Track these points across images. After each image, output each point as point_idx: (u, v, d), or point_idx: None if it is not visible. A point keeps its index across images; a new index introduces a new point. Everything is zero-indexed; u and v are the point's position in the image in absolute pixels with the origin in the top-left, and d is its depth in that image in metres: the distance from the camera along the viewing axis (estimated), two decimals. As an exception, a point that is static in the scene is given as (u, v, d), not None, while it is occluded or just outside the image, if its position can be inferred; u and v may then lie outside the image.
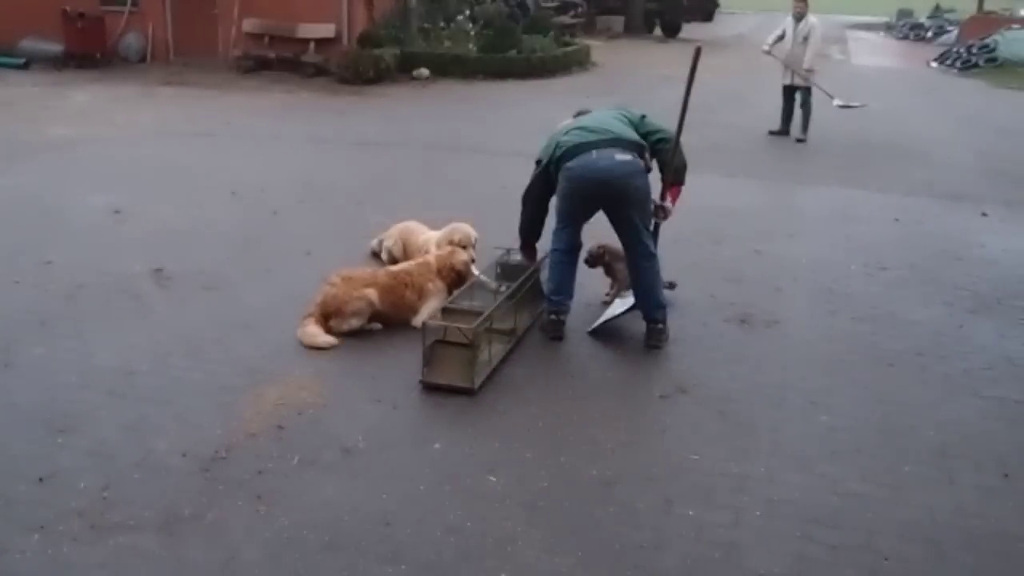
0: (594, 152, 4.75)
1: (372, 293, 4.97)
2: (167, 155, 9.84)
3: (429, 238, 5.91)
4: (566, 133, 4.96)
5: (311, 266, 6.06)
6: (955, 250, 6.94)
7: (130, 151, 10.05)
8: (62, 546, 3.14)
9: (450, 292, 5.14)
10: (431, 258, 5.34)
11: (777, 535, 3.35)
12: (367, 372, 4.58)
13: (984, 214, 8.11)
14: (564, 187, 4.89)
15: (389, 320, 5.08)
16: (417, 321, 4.93)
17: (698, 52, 4.84)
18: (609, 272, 5.56)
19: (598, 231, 5.31)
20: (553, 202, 5.12)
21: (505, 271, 5.45)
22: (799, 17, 11.39)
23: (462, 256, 5.30)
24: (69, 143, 10.24)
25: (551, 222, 5.17)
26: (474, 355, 4.37)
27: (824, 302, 5.77)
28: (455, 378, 4.36)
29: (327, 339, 4.85)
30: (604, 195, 4.85)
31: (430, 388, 4.37)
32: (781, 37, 11.59)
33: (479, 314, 4.54)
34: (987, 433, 4.16)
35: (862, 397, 4.49)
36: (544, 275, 5.29)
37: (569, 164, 4.80)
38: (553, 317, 5.04)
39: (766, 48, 11.67)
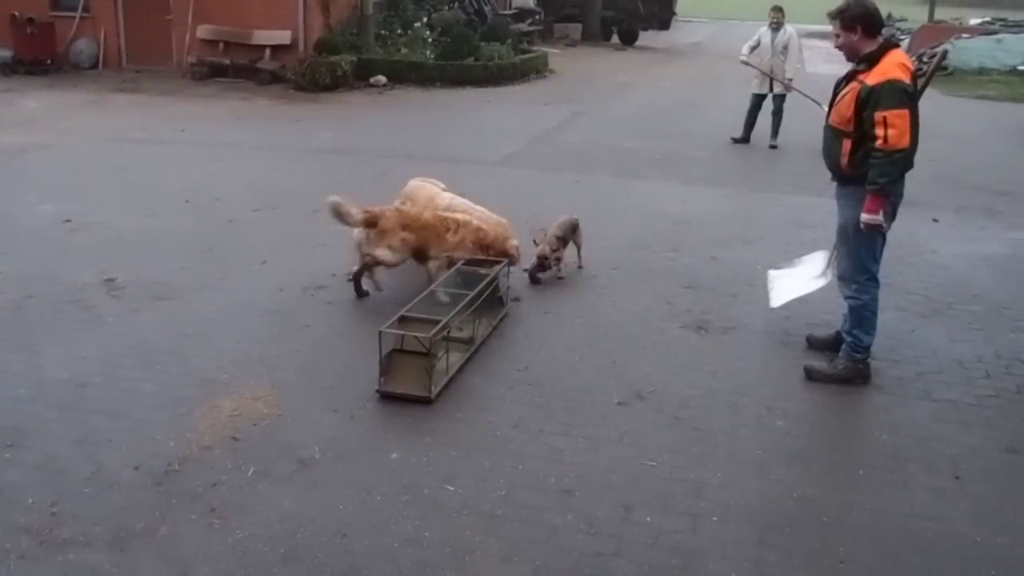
0: None
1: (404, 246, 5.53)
2: (119, 163, 9.68)
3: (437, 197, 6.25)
4: None
5: (266, 276, 6.00)
6: (907, 256, 7.05)
7: (81, 159, 9.88)
8: (9, 563, 3.07)
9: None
10: (485, 229, 5.66)
11: (735, 541, 3.37)
12: (323, 382, 4.54)
13: (935, 220, 8.25)
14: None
15: (417, 255, 5.62)
16: (431, 266, 5.59)
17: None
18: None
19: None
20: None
21: (464, 279, 5.43)
22: (776, 27, 11.56)
23: (515, 242, 5.71)
24: (19, 150, 10.04)
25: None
26: (431, 364, 4.35)
27: (779, 308, 5.82)
28: (412, 387, 4.34)
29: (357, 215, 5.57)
30: None
31: (387, 397, 4.34)
32: (755, 47, 11.71)
33: (436, 322, 4.52)
34: (939, 436, 4.23)
35: (817, 402, 4.55)
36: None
37: None
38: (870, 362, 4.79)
39: (743, 58, 11.74)
